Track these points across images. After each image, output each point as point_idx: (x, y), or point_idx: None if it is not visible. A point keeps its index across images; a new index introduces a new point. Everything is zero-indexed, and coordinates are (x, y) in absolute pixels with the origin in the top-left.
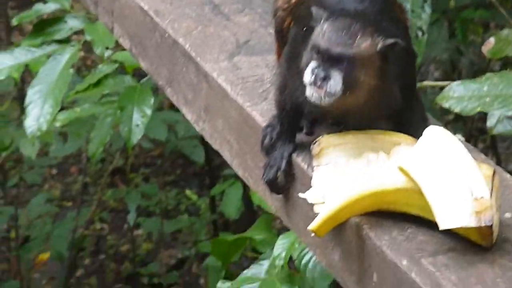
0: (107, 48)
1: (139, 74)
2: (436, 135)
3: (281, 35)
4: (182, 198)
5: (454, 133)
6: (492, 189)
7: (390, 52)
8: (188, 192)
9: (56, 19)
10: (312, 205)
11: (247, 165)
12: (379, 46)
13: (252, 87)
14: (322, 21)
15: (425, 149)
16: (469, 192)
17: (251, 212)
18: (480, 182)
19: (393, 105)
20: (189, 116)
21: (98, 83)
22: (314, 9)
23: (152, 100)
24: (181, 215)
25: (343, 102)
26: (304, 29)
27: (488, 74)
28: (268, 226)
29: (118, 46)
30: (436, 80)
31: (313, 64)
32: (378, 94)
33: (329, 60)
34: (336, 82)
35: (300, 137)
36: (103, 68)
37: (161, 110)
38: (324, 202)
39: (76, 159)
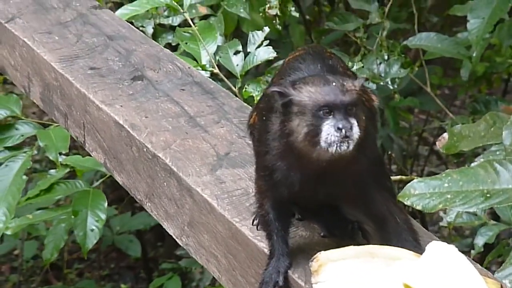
0: (60, 154)
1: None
2: (439, 251)
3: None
4: None
5: None
6: None
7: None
8: (123, 286)
9: (7, 125)
10: None
11: (237, 281)
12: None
13: (238, 201)
14: (298, 88)
15: (430, 265)
16: None
17: None
18: None
19: (371, 153)
20: (171, 231)
21: (49, 188)
22: (277, 88)
23: (105, 204)
24: None
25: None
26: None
27: (447, 171)
28: None
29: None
30: None
31: (331, 121)
32: (364, 136)
33: (342, 110)
34: (356, 127)
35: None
36: (55, 173)
37: None
38: None
39: (8, 258)
